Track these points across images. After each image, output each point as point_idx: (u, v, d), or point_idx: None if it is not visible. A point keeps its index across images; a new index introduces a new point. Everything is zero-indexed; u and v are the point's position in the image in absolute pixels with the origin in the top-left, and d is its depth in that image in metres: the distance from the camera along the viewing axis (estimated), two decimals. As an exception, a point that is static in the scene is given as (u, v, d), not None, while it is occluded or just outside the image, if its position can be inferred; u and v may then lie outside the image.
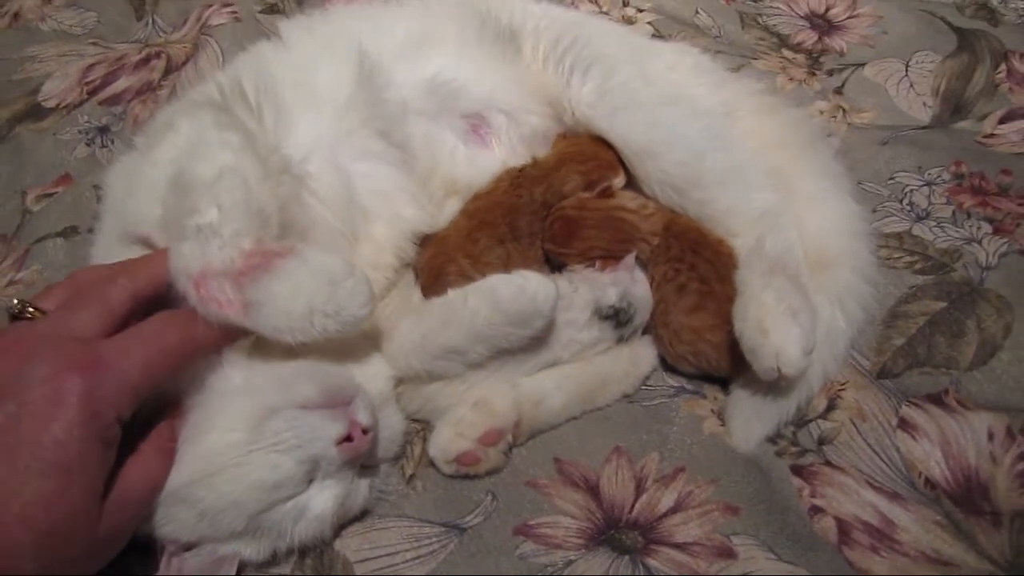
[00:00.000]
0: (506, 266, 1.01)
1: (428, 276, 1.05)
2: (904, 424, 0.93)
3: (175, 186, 0.85)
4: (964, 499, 0.87)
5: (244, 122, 0.94)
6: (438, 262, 1.04)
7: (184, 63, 1.53)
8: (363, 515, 0.91)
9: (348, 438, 0.81)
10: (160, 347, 0.77)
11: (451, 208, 1.12)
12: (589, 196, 1.08)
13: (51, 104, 1.51)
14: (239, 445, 0.80)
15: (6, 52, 1.63)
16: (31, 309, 0.80)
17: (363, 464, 0.88)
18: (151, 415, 0.81)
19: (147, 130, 1.07)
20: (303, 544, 0.85)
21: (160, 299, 0.83)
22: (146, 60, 1.56)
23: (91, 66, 1.57)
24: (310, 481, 0.83)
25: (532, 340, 0.95)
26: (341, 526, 0.89)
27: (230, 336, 0.84)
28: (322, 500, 0.83)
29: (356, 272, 0.83)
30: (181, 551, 0.82)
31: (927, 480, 0.89)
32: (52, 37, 1.67)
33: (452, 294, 0.95)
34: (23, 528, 0.66)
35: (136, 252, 0.88)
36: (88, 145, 1.42)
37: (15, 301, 0.80)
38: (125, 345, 0.75)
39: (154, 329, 0.79)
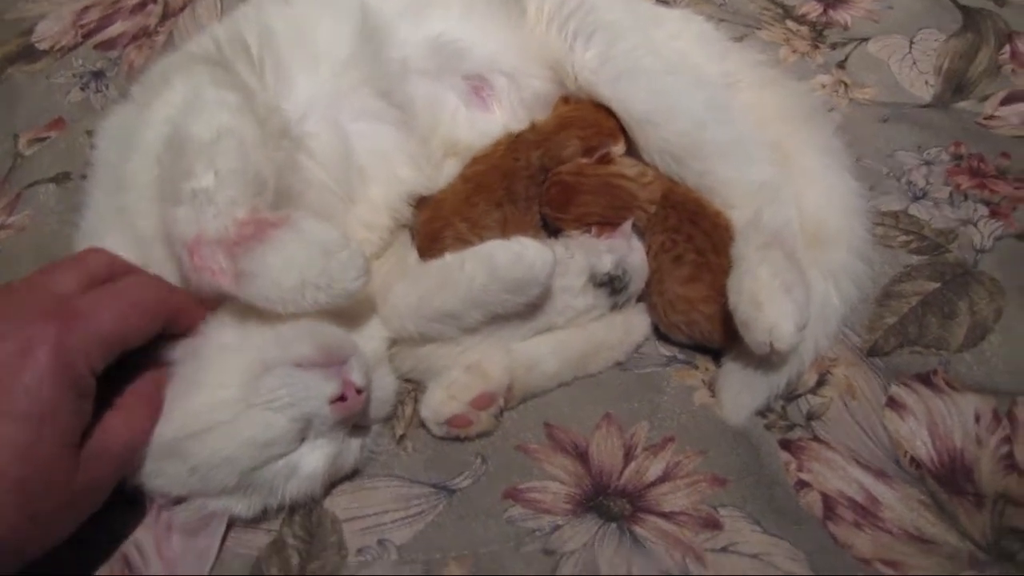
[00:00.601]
0: (503, 230, 1.01)
1: (425, 239, 1.04)
2: (892, 403, 0.94)
3: (171, 146, 0.85)
4: (948, 479, 0.88)
5: (244, 79, 0.93)
6: (435, 226, 1.04)
7: (181, 9, 1.52)
8: (353, 474, 0.91)
9: (342, 398, 0.81)
10: (134, 303, 0.78)
11: (449, 170, 1.11)
12: (587, 162, 1.08)
13: (44, 46, 1.49)
14: (232, 402, 0.80)
15: (-1, -9, 1.61)
16: None
17: (355, 424, 0.88)
18: (137, 372, 0.81)
19: (143, 81, 1.06)
20: (293, 502, 0.85)
21: None
22: (142, 4, 1.54)
23: (86, 8, 1.55)
24: (302, 439, 0.83)
25: (527, 306, 0.95)
26: (331, 485, 0.89)
27: (207, 304, 0.85)
28: (314, 459, 0.84)
29: (350, 244, 0.83)
30: (170, 505, 0.83)
31: (913, 459, 0.90)
32: (47, -24, 1.64)
33: (449, 258, 0.94)
34: None
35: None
36: (82, 90, 1.41)
37: None
38: (98, 298, 0.76)
39: (129, 286, 0.80)
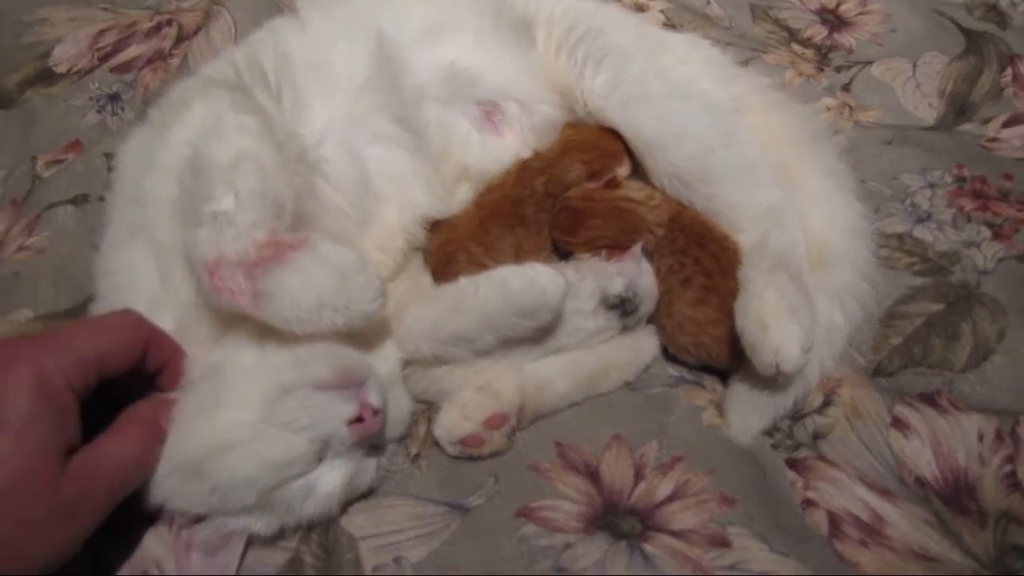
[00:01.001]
0: (517, 253, 1.03)
1: (439, 262, 1.06)
2: (897, 422, 0.96)
3: (191, 168, 0.87)
4: (952, 498, 0.89)
5: (262, 104, 0.95)
6: (449, 249, 1.06)
7: (196, 32, 1.53)
8: (369, 493, 0.92)
9: (360, 419, 0.83)
10: (108, 328, 0.82)
11: (462, 194, 1.13)
12: (595, 186, 1.09)
13: (62, 69, 1.51)
14: (252, 423, 0.81)
15: (16, 14, 1.62)
16: None
17: (372, 444, 0.89)
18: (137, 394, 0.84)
19: (162, 104, 1.08)
20: (311, 521, 0.87)
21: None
22: (157, 28, 1.56)
23: (102, 32, 1.56)
24: (320, 460, 0.84)
25: (539, 331, 0.97)
26: (348, 503, 0.90)
27: (225, 324, 0.88)
28: (331, 478, 0.85)
29: (367, 267, 0.85)
30: (190, 523, 0.84)
31: (917, 478, 0.91)
32: (63, 0, 1.66)
33: (463, 282, 0.96)
34: None
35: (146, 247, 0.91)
36: (99, 112, 1.43)
37: None
38: (76, 325, 0.81)
39: (107, 316, 0.84)
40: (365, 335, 0.95)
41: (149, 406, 0.84)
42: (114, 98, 1.45)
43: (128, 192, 1.00)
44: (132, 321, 0.84)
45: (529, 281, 0.93)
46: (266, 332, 0.87)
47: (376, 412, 0.84)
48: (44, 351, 0.75)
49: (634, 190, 1.09)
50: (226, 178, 0.84)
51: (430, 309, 0.96)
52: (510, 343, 0.97)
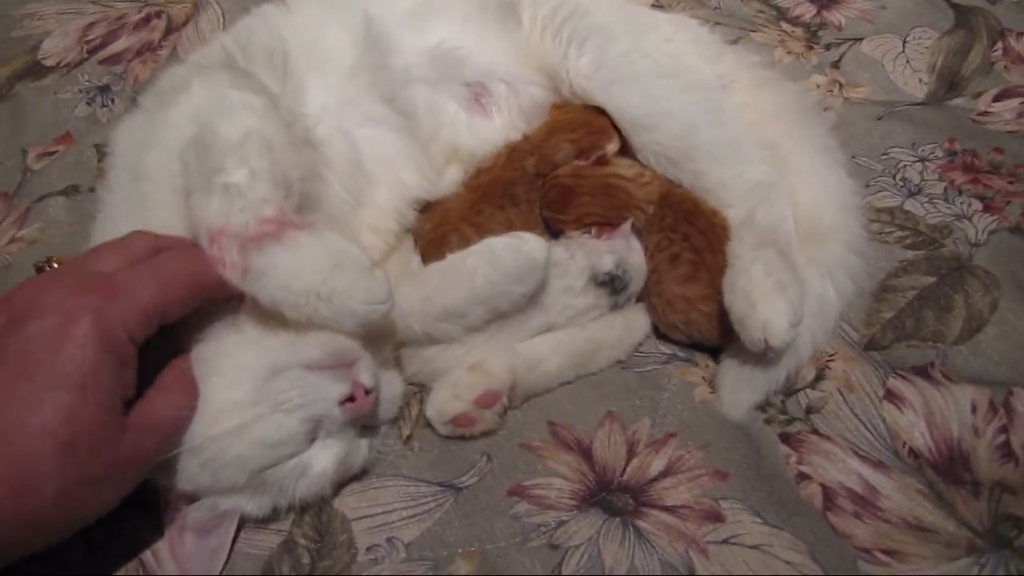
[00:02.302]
0: (508, 231, 1.02)
1: (430, 245, 1.06)
2: (890, 395, 0.95)
3: (196, 145, 0.85)
4: (946, 469, 0.89)
5: (265, 84, 0.95)
6: (441, 231, 1.06)
7: (184, 23, 1.54)
8: (361, 474, 0.92)
9: (351, 398, 0.83)
10: (172, 276, 0.79)
11: (451, 175, 1.13)
12: (585, 164, 1.09)
13: (51, 62, 1.51)
14: (243, 402, 0.81)
15: (5, 8, 1.63)
16: (54, 258, 0.83)
17: (364, 425, 0.89)
18: (166, 357, 0.83)
19: (153, 91, 1.08)
20: (303, 501, 0.87)
21: None
22: (146, 20, 1.56)
23: (91, 25, 1.57)
24: (312, 440, 0.84)
25: (529, 301, 0.97)
26: (340, 485, 0.91)
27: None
28: (324, 459, 0.85)
29: (370, 271, 0.83)
30: (183, 504, 0.85)
31: (911, 450, 0.91)
32: (52, -7, 1.66)
33: (451, 257, 0.96)
34: (44, 440, 0.69)
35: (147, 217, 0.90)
36: (89, 104, 1.43)
37: (45, 258, 0.84)
38: (137, 272, 0.78)
39: (168, 259, 0.81)
40: None
41: (186, 360, 0.83)
42: (104, 90, 1.45)
43: (124, 172, 0.99)
44: (196, 268, 0.81)
45: (514, 245, 0.93)
46: (259, 315, 0.86)
47: (368, 392, 0.84)
48: (109, 300, 0.74)
49: (624, 167, 1.09)
50: (236, 153, 0.83)
51: (420, 287, 0.96)
52: (501, 316, 0.97)
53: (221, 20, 1.50)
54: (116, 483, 0.76)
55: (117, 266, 0.79)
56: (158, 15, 1.57)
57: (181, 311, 0.80)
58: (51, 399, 0.70)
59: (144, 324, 0.76)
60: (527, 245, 0.93)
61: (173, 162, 0.88)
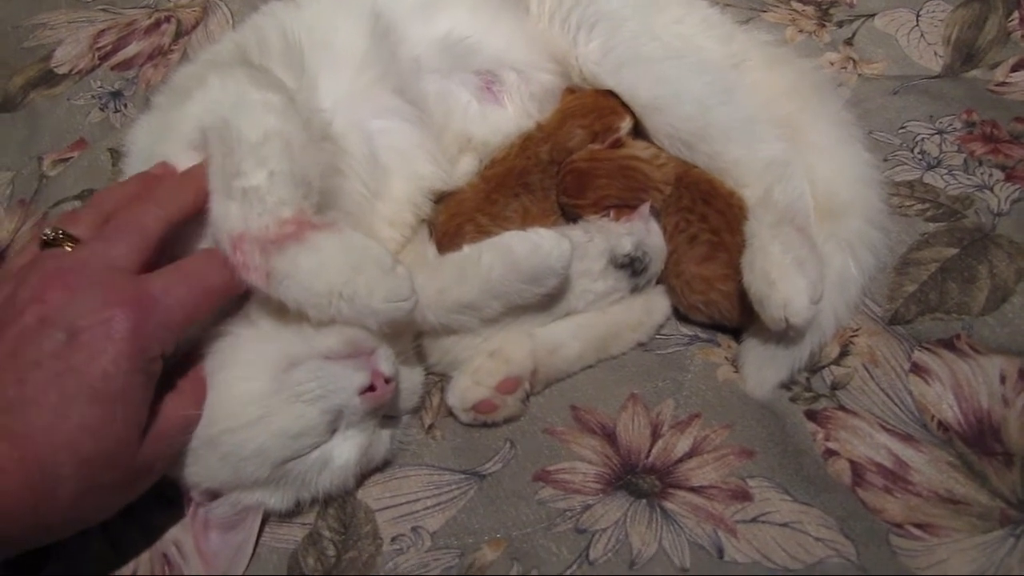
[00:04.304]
0: (524, 220, 1.04)
1: (445, 235, 1.06)
2: (916, 368, 0.94)
3: (218, 139, 0.85)
4: (976, 440, 0.88)
5: (282, 80, 0.94)
6: (457, 222, 1.06)
7: (194, 27, 1.54)
8: (384, 465, 0.92)
9: (371, 388, 0.83)
10: (202, 286, 0.80)
11: (465, 165, 1.13)
12: (599, 147, 1.09)
13: (63, 70, 1.51)
14: (262, 395, 0.81)
15: (17, 19, 1.63)
16: (63, 234, 0.82)
17: (385, 415, 0.89)
18: (185, 351, 0.84)
19: (166, 90, 1.08)
20: (326, 494, 0.87)
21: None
22: (156, 25, 1.57)
23: (101, 32, 1.57)
24: (333, 431, 0.84)
25: (546, 297, 0.96)
26: (363, 476, 0.90)
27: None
28: (345, 450, 0.85)
29: (393, 268, 0.82)
30: (207, 501, 0.85)
31: (940, 423, 0.90)
32: (62, 4, 1.66)
33: (467, 250, 0.95)
34: (68, 453, 0.70)
35: None
36: (102, 110, 1.43)
37: (48, 230, 0.82)
38: (169, 282, 0.78)
39: (196, 268, 0.81)
40: None
41: (200, 366, 0.84)
42: (116, 95, 1.45)
43: (140, 166, 0.98)
44: (224, 279, 0.81)
45: (533, 246, 0.92)
46: (275, 305, 0.86)
47: (388, 380, 0.84)
48: (146, 316, 0.74)
49: (640, 149, 1.09)
50: (255, 155, 0.82)
51: (435, 278, 0.94)
52: (518, 310, 0.96)
53: (230, 22, 1.50)
54: (128, 490, 0.78)
55: (136, 257, 0.79)
56: (168, 20, 1.57)
57: (208, 319, 0.82)
58: (81, 412, 0.71)
59: (175, 340, 0.77)
60: (546, 247, 0.92)
61: (191, 152, 0.89)
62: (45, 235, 0.82)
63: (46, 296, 0.74)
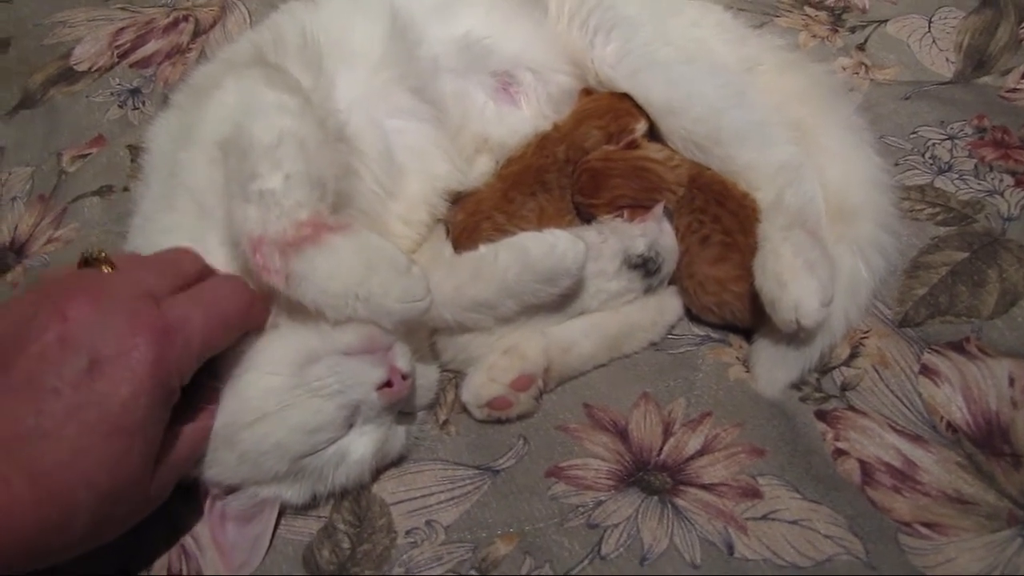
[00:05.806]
0: (540, 218, 1.05)
1: (462, 233, 1.07)
2: (926, 370, 0.95)
3: (234, 147, 0.86)
4: (985, 441, 0.89)
5: (297, 81, 0.95)
6: (474, 220, 1.07)
7: (212, 25, 1.55)
8: (399, 460, 0.93)
9: (388, 383, 0.84)
10: (224, 317, 0.81)
11: (481, 165, 1.14)
12: (614, 148, 1.10)
13: (83, 68, 1.53)
14: (280, 390, 0.82)
15: (37, 17, 1.65)
16: (103, 256, 0.81)
17: (401, 411, 0.90)
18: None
19: (186, 89, 1.10)
20: (342, 487, 0.88)
21: None
22: (175, 23, 1.58)
23: (120, 30, 1.59)
24: (350, 426, 0.85)
25: (560, 297, 0.97)
26: (379, 470, 0.91)
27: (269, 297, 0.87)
28: (362, 445, 0.86)
29: (408, 269, 0.83)
30: (224, 495, 0.86)
31: (948, 424, 0.91)
32: (81, 2, 1.68)
33: (483, 249, 0.96)
34: (85, 490, 0.69)
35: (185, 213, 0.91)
36: (120, 107, 1.45)
37: (94, 250, 0.82)
38: (188, 311, 0.77)
39: (215, 296, 0.82)
40: None
41: (214, 392, 0.84)
42: (135, 93, 1.47)
43: (160, 169, 1.01)
44: (242, 306, 0.83)
45: (549, 247, 0.93)
46: (292, 303, 0.87)
47: (404, 376, 0.85)
48: (168, 346, 0.74)
49: (654, 151, 1.09)
50: (270, 157, 0.83)
51: (451, 277, 0.95)
52: (532, 308, 0.97)
53: (248, 21, 1.51)
54: (139, 514, 0.79)
55: (167, 289, 0.79)
56: (186, 18, 1.58)
57: (227, 346, 0.83)
58: (99, 447, 0.70)
59: (194, 368, 0.78)
60: (561, 248, 0.93)
61: (208, 158, 0.90)
62: (87, 251, 0.82)
63: (69, 312, 0.72)
